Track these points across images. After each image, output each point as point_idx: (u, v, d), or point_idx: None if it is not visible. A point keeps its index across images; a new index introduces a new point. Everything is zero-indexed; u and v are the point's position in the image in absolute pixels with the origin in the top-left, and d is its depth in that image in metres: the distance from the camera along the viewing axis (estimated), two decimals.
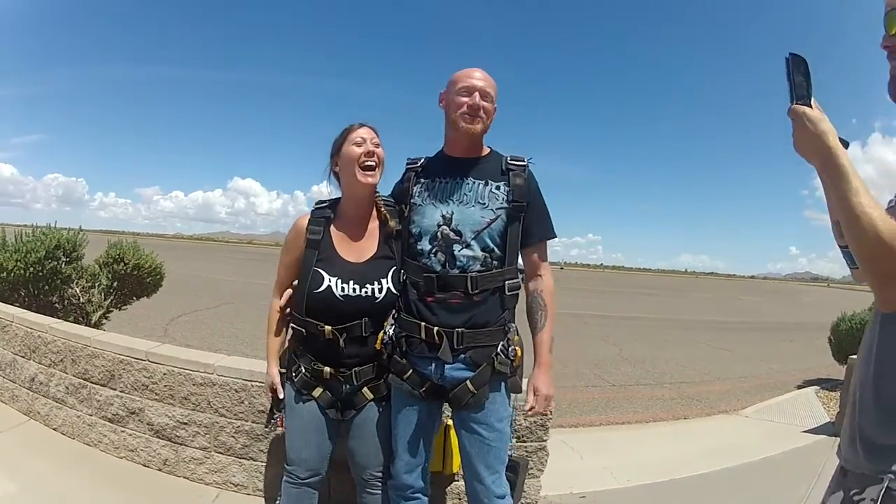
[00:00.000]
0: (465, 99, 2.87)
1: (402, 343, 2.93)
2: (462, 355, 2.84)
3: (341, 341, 2.95)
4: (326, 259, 3.02)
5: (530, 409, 2.95)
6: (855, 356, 6.78)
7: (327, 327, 2.95)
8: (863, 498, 1.65)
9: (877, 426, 1.67)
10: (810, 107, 1.70)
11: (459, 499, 4.13)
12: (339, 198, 3.20)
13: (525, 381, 3.07)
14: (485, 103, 2.88)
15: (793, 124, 1.72)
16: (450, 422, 3.61)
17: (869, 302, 11.93)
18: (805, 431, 7.11)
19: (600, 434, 7.44)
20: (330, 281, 2.96)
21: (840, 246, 1.95)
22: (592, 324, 21.24)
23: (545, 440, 4.16)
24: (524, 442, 4.09)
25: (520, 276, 2.98)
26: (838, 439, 1.92)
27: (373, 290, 2.96)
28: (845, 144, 1.66)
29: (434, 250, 2.88)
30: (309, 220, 3.13)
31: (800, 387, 10.36)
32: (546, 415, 3.95)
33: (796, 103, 1.72)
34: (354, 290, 2.95)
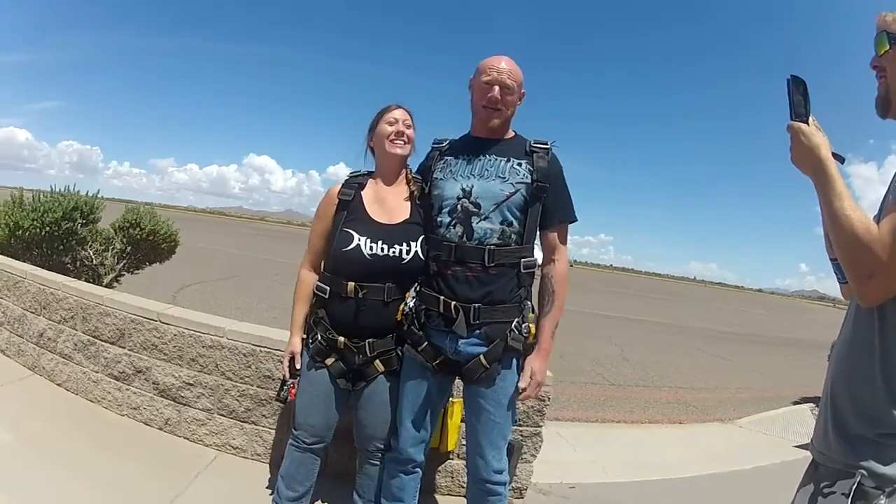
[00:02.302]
0: (486, 93, 2.96)
1: (421, 315, 3.01)
2: (477, 330, 2.90)
3: (360, 294, 3.03)
4: (356, 219, 3.12)
5: (521, 392, 3.01)
6: None
7: (350, 284, 3.03)
8: (833, 491, 1.72)
9: (850, 417, 1.75)
10: (807, 123, 1.83)
11: (451, 477, 4.23)
12: (373, 171, 3.34)
13: None
14: (505, 97, 2.96)
15: (790, 139, 1.86)
16: (451, 399, 3.70)
17: None
18: (797, 446, 7.12)
19: (595, 430, 7.49)
20: (359, 240, 3.05)
21: (831, 259, 2.05)
22: (597, 323, 21.24)
23: (541, 426, 4.24)
24: (520, 426, 4.16)
25: (535, 257, 3.03)
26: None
27: (400, 250, 3.05)
28: (840, 159, 1.79)
29: (453, 222, 2.96)
30: (342, 185, 3.26)
31: (796, 402, 10.36)
32: (543, 399, 4.04)
33: (794, 120, 1.85)
34: (383, 249, 3.04)
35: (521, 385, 3.00)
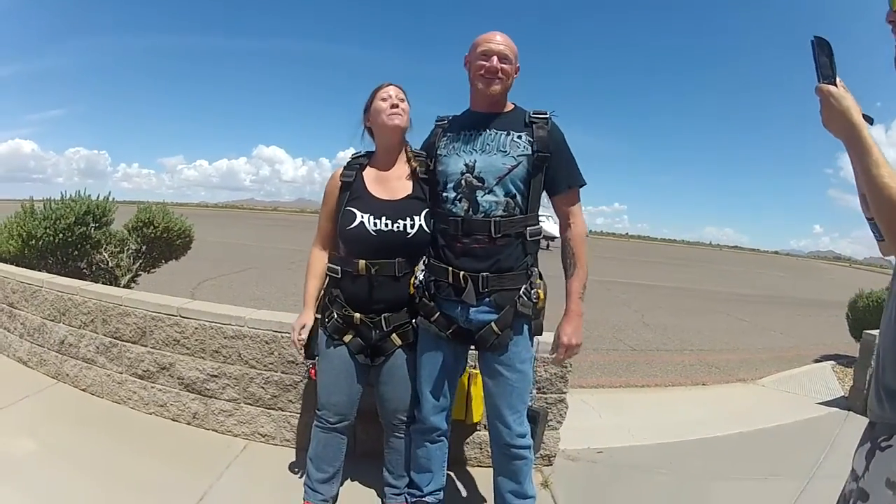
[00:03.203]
0: (484, 62, 2.99)
1: (431, 286, 3.08)
2: (487, 298, 2.97)
3: (373, 270, 3.08)
4: (358, 198, 3.16)
5: (553, 357, 3.12)
6: (869, 331, 6.75)
7: (361, 262, 3.08)
8: (890, 445, 1.69)
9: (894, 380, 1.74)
10: (835, 85, 1.80)
11: (480, 448, 4.26)
12: (373, 151, 3.37)
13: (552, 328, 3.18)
14: (503, 65, 2.99)
15: (820, 102, 1.82)
16: (472, 371, 3.73)
17: (887, 282, 11.95)
18: (820, 403, 7.10)
19: (619, 395, 7.53)
20: (362, 217, 3.09)
21: (867, 218, 1.98)
22: (616, 290, 21.32)
23: (565, 392, 4.28)
24: (544, 393, 4.21)
25: (542, 224, 3.10)
26: (849, 413, 1.96)
27: (404, 225, 3.09)
28: (870, 120, 1.75)
29: (458, 197, 3.00)
30: (344, 168, 3.31)
31: (817, 361, 10.26)
32: (566, 366, 4.08)
33: (822, 83, 1.81)
34: (387, 224, 3.07)
35: (552, 349, 3.13)
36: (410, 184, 3.24)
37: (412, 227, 3.11)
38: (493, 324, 2.98)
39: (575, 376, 3.15)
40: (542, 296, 3.07)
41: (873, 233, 1.98)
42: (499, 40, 3.01)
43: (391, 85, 3.28)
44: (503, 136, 3.02)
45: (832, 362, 9.71)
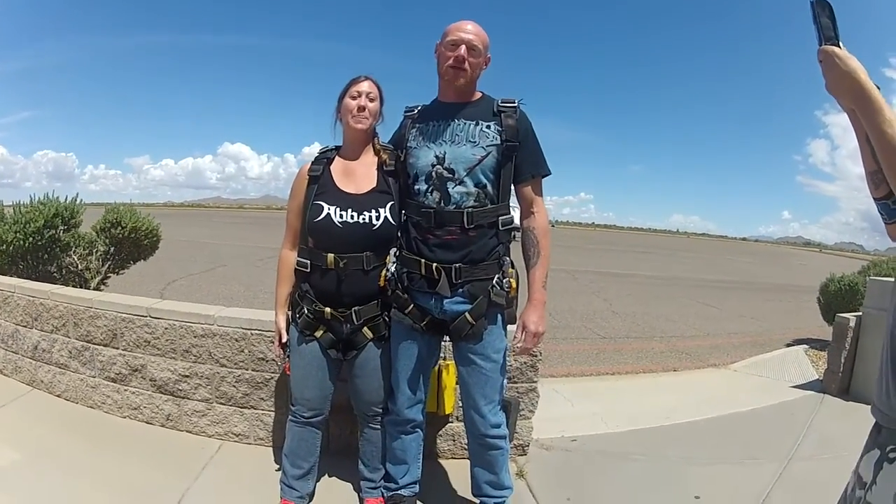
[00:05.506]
0: (452, 52, 2.99)
1: (404, 279, 3.09)
2: (460, 289, 3.00)
3: (341, 263, 3.09)
4: (326, 192, 3.17)
5: (518, 345, 3.11)
6: (843, 314, 6.75)
7: (329, 255, 3.09)
8: None
9: None
10: (839, 47, 1.71)
11: (453, 440, 4.30)
12: (340, 146, 3.39)
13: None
14: (470, 57, 2.99)
15: (823, 65, 1.73)
16: (443, 362, 3.74)
17: (858, 266, 11.98)
18: (793, 387, 7.16)
19: (590, 383, 7.55)
20: (329, 209, 3.11)
21: (875, 199, 1.88)
22: (583, 280, 21.42)
23: (536, 381, 4.33)
24: (515, 383, 4.26)
25: (513, 213, 3.11)
26: (825, 396, 1.93)
27: (370, 217, 3.11)
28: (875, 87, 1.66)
29: (430, 189, 3.02)
30: (311, 162, 3.32)
31: (789, 345, 10.38)
32: (535, 355, 4.11)
33: (825, 44, 1.72)
34: (352, 216, 3.09)
35: (518, 340, 3.10)
36: (376, 177, 3.25)
37: (377, 219, 3.12)
38: (467, 314, 3.00)
39: (545, 366, 3.16)
40: (514, 284, 3.09)
41: (881, 213, 1.89)
42: (469, 30, 3.02)
43: (365, 80, 3.28)
44: (472, 126, 3.03)
45: (805, 346, 9.79)
